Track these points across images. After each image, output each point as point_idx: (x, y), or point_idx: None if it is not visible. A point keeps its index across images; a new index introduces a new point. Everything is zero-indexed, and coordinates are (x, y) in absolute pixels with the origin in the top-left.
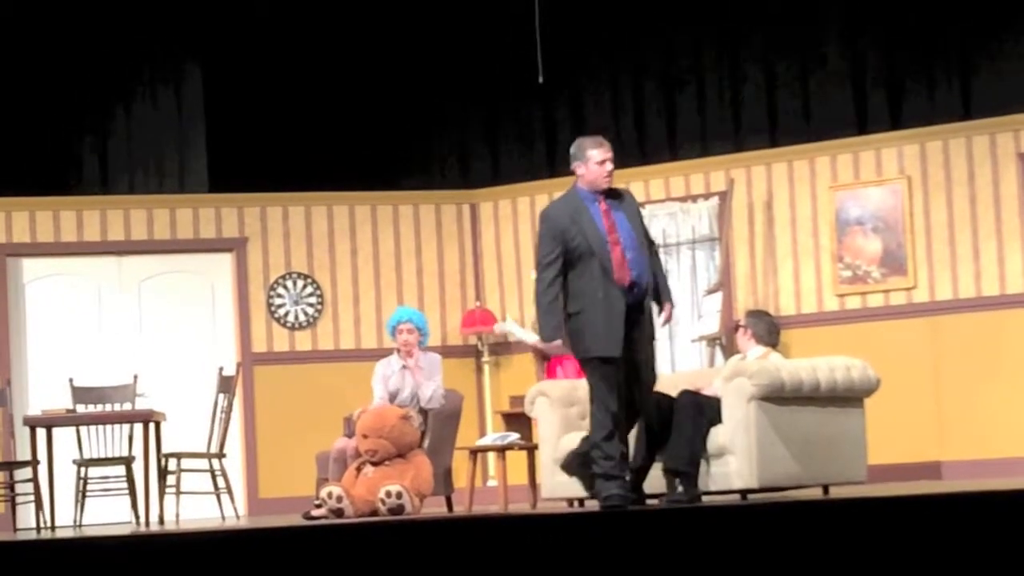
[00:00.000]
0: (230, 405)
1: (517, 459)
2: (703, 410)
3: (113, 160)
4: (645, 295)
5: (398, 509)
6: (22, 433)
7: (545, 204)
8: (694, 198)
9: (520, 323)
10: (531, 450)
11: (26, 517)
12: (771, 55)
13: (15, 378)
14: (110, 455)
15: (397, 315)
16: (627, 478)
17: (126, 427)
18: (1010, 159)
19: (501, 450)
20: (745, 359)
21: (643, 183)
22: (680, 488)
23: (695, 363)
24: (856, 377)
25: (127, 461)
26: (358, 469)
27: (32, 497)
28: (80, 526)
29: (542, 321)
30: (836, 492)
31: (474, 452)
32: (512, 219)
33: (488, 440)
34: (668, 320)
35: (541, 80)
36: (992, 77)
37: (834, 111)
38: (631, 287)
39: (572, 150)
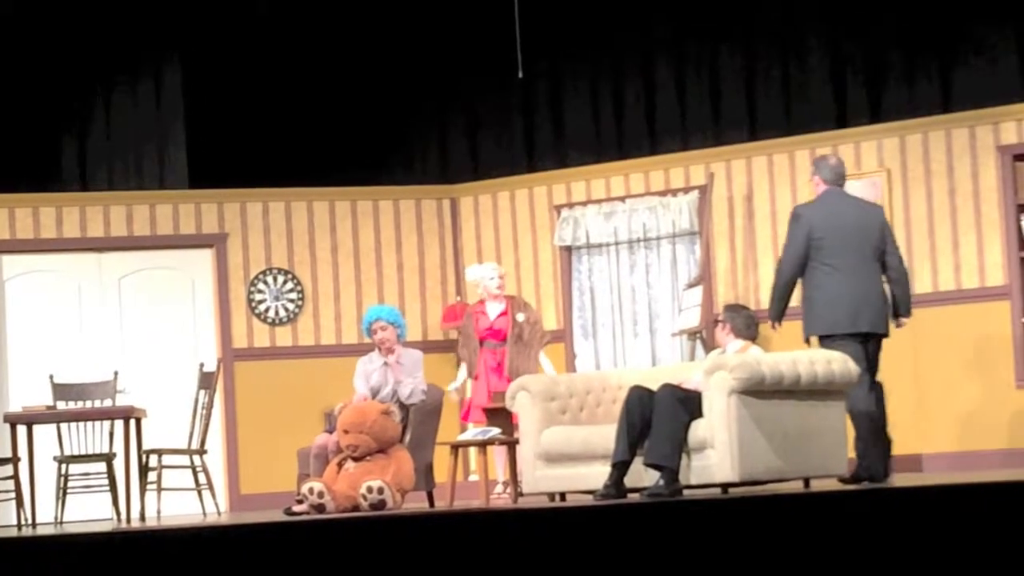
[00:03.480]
0: (211, 401)
1: (498, 454)
2: (684, 404)
3: (92, 156)
4: None
5: (380, 504)
6: (2, 430)
7: (525, 199)
8: (674, 192)
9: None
10: (512, 445)
11: (7, 514)
12: (750, 49)
13: None
14: (91, 452)
15: (368, 315)
16: None
17: (107, 424)
18: (989, 152)
19: (482, 445)
20: (724, 353)
21: (623, 177)
22: (661, 482)
23: (676, 357)
24: (836, 370)
25: (108, 458)
26: (339, 465)
27: (13, 494)
28: (61, 523)
29: None
30: (817, 485)
31: (455, 447)
32: (492, 214)
33: (469, 435)
34: None
35: (520, 75)
36: (972, 70)
37: (813, 104)
38: None
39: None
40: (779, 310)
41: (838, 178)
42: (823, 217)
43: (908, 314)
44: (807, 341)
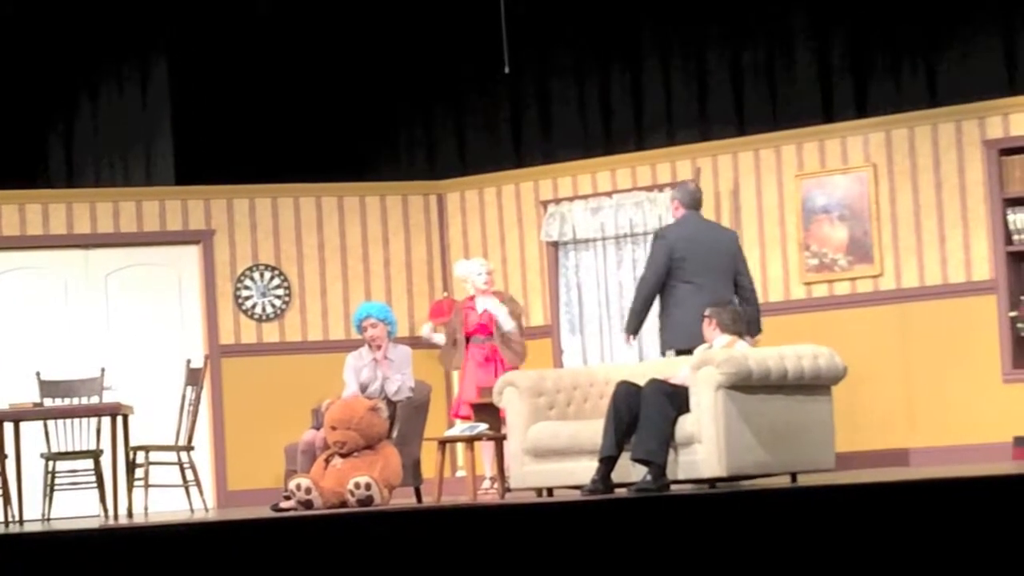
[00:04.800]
0: (198, 397)
1: (486, 450)
2: (671, 399)
3: (79, 153)
4: None
5: (367, 500)
6: None
7: (512, 195)
8: (660, 187)
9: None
10: (500, 440)
11: None
12: (737, 44)
13: None
14: (78, 449)
15: (359, 312)
16: None
17: (94, 420)
18: (975, 146)
19: (469, 440)
20: (711, 348)
21: (610, 173)
22: (648, 477)
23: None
24: (823, 365)
25: (95, 455)
26: (327, 461)
27: (0, 491)
28: (48, 520)
29: None
30: (804, 480)
31: (442, 443)
32: (479, 210)
33: (456, 431)
34: None
35: (507, 70)
36: (958, 64)
37: (800, 99)
38: None
39: None
40: (637, 324)
41: (695, 202)
42: (684, 238)
43: (759, 331)
44: (664, 355)
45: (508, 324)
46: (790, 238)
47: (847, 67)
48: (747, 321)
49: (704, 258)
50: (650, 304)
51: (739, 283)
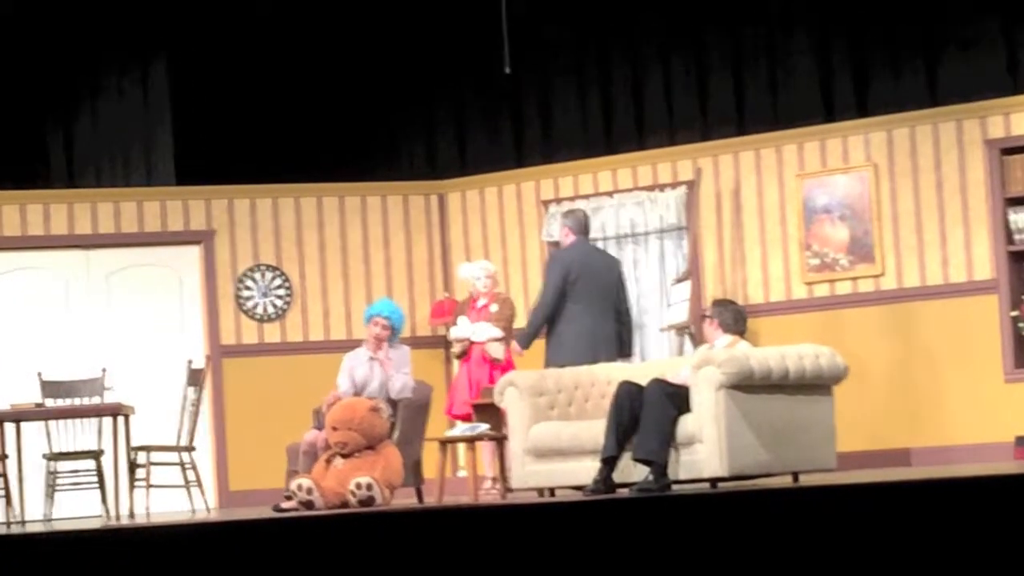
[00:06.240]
0: (199, 398)
1: (487, 450)
2: (672, 399)
3: (80, 153)
4: None
5: (368, 501)
6: None
7: (513, 195)
8: (662, 187)
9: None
10: (501, 440)
11: None
12: (737, 44)
13: None
14: (79, 449)
15: (378, 307)
16: None
17: (95, 421)
18: (976, 146)
19: (471, 440)
20: (713, 348)
21: (611, 172)
22: (650, 477)
23: (664, 352)
24: (824, 365)
25: (96, 455)
26: (328, 461)
27: (2, 492)
28: (50, 520)
29: None
30: (806, 480)
31: (444, 443)
32: (480, 209)
33: (457, 431)
34: None
35: (508, 70)
36: (958, 64)
37: (800, 99)
38: None
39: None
40: (532, 339)
41: (585, 229)
42: (578, 263)
43: (631, 353)
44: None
45: (488, 334)
46: (791, 238)
47: (848, 66)
48: (621, 342)
49: (593, 282)
50: (546, 323)
51: (617, 307)
